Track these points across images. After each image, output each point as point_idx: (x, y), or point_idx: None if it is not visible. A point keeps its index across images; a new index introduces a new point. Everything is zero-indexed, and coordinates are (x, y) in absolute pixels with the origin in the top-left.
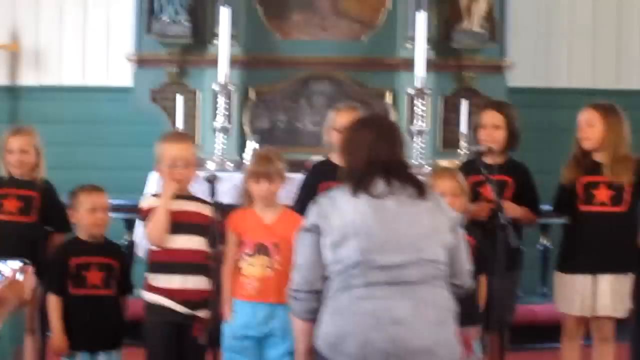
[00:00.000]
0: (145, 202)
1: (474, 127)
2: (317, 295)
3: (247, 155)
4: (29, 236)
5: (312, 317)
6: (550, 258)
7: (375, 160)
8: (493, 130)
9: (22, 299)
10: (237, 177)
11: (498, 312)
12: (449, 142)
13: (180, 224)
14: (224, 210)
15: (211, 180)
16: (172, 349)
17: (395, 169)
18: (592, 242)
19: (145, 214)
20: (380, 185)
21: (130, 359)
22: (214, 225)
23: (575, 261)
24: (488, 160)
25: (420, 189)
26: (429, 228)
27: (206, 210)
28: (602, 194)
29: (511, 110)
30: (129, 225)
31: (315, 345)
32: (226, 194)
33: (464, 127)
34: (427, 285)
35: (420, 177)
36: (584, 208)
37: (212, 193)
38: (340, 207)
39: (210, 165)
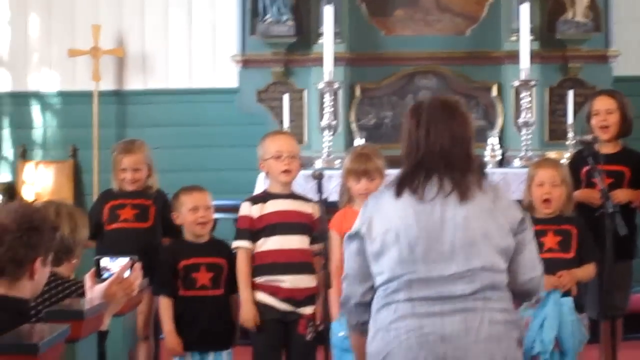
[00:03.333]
0: (242, 209)
1: (586, 115)
2: (368, 307)
3: None
4: (146, 241)
5: (364, 330)
6: None
7: (425, 153)
8: (607, 115)
9: (130, 295)
10: None
11: (609, 300)
12: (556, 133)
13: (282, 224)
14: (330, 207)
15: (318, 177)
16: (278, 347)
17: (449, 163)
18: None
19: (242, 223)
20: (428, 184)
21: (241, 357)
22: (321, 222)
23: None
24: (602, 149)
25: (473, 187)
26: (480, 233)
27: (308, 208)
28: None
29: (623, 96)
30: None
31: None
32: (335, 191)
33: (570, 117)
34: (480, 298)
35: (479, 176)
36: None
37: (319, 190)
38: (384, 211)
39: (318, 164)
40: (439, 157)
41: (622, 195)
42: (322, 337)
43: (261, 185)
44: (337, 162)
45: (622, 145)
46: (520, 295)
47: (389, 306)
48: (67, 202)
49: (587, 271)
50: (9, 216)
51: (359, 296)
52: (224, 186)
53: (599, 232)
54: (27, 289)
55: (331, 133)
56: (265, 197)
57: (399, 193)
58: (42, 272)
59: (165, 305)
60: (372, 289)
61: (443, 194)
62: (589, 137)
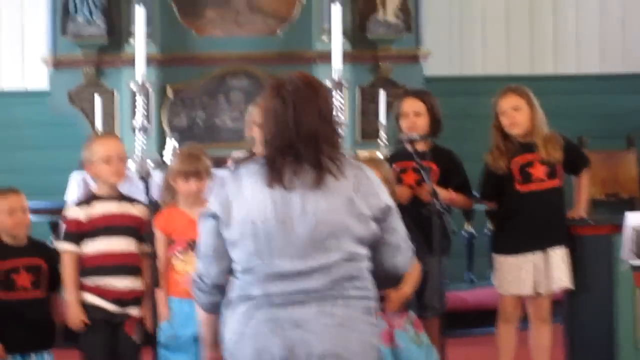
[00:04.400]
0: (68, 212)
1: (395, 116)
2: (222, 288)
3: (168, 154)
4: None
5: (216, 309)
6: (475, 244)
7: (295, 134)
8: (414, 117)
9: None
10: (159, 176)
11: (437, 298)
12: (368, 133)
13: (109, 227)
14: (155, 207)
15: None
16: (107, 348)
17: (318, 145)
18: (537, 219)
19: (68, 226)
20: (287, 171)
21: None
22: (148, 223)
23: (522, 241)
24: (411, 147)
25: (337, 173)
26: (340, 227)
27: (135, 211)
28: (539, 171)
29: (431, 97)
30: (54, 227)
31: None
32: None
33: (382, 117)
34: (337, 288)
35: (343, 155)
36: (523, 188)
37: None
38: (244, 198)
39: (131, 165)
40: (309, 138)
41: (443, 194)
42: (150, 338)
43: (74, 186)
44: (150, 163)
45: (431, 143)
46: (386, 280)
47: (244, 299)
48: None
49: (414, 276)
50: None
51: (213, 277)
52: (37, 188)
53: (424, 229)
54: None
55: (144, 134)
56: (91, 199)
57: (267, 181)
58: None
59: None
60: (228, 270)
61: (307, 183)
62: (415, 136)
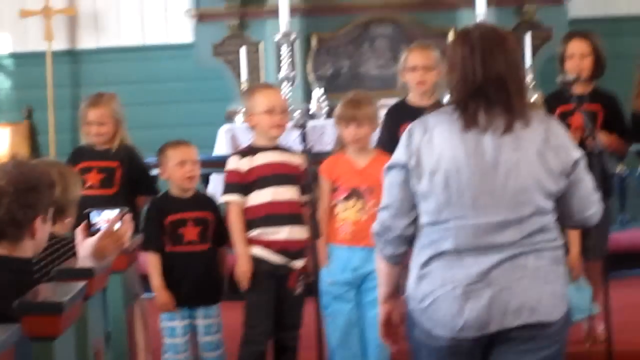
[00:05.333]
0: (230, 163)
1: (558, 57)
2: (407, 240)
3: (314, 104)
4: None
5: (399, 261)
6: (628, 186)
7: (483, 80)
8: (580, 59)
9: (120, 248)
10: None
11: (599, 240)
12: None
13: (274, 175)
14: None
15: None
16: (271, 301)
17: (506, 91)
18: None
19: (231, 177)
20: (478, 116)
21: (229, 312)
22: (307, 172)
23: None
24: (576, 90)
25: (524, 122)
26: (531, 179)
27: (296, 160)
28: None
29: (596, 37)
30: (204, 180)
31: (406, 303)
32: (295, 142)
33: (528, 60)
34: (528, 243)
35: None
36: None
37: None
38: (434, 147)
39: None
40: (498, 82)
41: (602, 138)
42: (312, 288)
43: (222, 139)
44: (296, 113)
45: (594, 85)
46: (572, 228)
47: (436, 256)
48: (56, 160)
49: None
50: (4, 178)
51: (401, 229)
52: None
53: None
54: (29, 248)
55: (289, 85)
56: (252, 150)
57: (462, 125)
58: (43, 229)
59: (153, 262)
60: (415, 222)
61: (499, 128)
62: (571, 77)
